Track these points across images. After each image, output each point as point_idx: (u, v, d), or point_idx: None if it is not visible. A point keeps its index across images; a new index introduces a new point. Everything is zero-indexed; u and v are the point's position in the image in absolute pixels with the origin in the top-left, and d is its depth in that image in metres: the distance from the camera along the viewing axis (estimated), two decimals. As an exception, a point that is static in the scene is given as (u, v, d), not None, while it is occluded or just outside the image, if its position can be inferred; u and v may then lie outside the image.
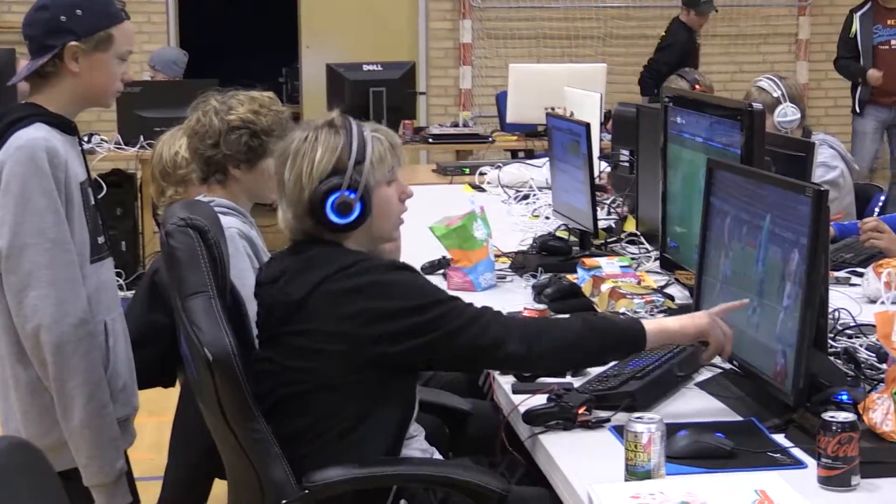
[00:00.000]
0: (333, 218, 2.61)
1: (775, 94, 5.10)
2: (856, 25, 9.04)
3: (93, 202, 2.92)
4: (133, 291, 3.30)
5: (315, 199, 2.62)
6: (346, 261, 2.62)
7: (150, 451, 3.54)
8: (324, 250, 2.67)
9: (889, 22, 9.03)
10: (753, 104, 3.18)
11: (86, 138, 2.79)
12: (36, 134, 2.79)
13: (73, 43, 2.85)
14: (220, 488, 3.24)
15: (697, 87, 5.70)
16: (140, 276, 7.42)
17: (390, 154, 2.73)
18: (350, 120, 2.71)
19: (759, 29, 11.22)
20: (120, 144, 7.90)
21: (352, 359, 2.56)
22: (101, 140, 7.92)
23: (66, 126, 2.90)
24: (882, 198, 5.17)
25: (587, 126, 4.06)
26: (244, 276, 2.97)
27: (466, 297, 3.55)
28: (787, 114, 4.98)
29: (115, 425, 2.86)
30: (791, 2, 11.23)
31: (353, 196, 2.62)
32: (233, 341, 2.50)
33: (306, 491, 2.53)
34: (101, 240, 2.93)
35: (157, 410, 3.84)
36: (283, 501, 2.52)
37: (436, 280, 3.82)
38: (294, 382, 2.60)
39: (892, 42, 9.01)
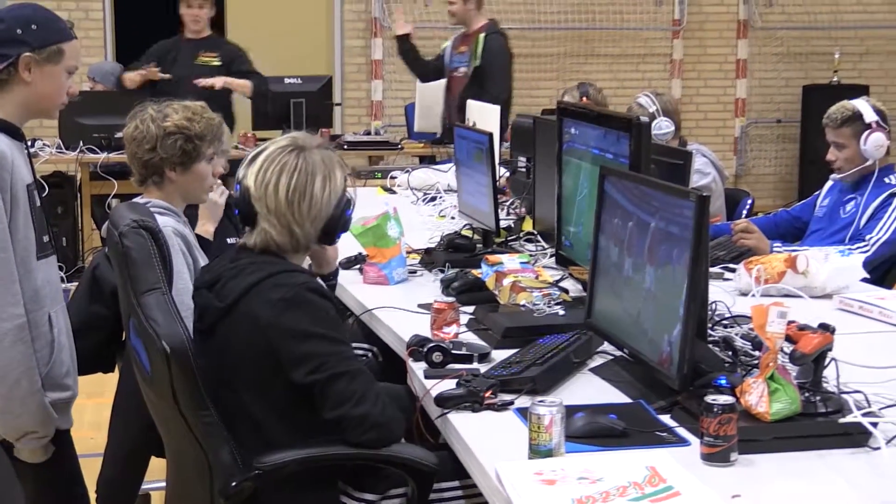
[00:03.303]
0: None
1: (651, 109, 5.16)
2: None
3: (38, 203, 2.85)
4: (74, 284, 3.24)
5: (336, 217, 2.74)
6: (274, 269, 2.60)
7: (90, 430, 3.49)
8: (261, 258, 2.65)
9: None
10: (640, 117, 3.19)
11: (29, 142, 2.75)
12: None
13: (27, 53, 2.81)
14: (155, 464, 3.20)
15: (585, 99, 5.73)
16: (80, 270, 7.33)
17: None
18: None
19: (639, 50, 11.32)
20: (61, 149, 7.82)
21: (265, 365, 2.55)
22: (44, 144, 7.88)
23: (13, 132, 2.83)
24: (749, 201, 5.24)
25: (490, 135, 4.06)
26: (180, 273, 2.93)
27: (381, 290, 3.60)
28: (661, 127, 5.03)
29: (33, 414, 2.79)
30: (666, 26, 11.34)
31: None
32: (188, 335, 2.46)
33: (257, 471, 2.49)
34: (45, 238, 2.86)
35: (95, 393, 3.76)
36: (234, 483, 2.48)
37: (352, 274, 3.81)
38: (223, 378, 2.57)
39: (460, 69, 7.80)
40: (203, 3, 7.77)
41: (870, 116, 4.30)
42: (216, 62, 7.78)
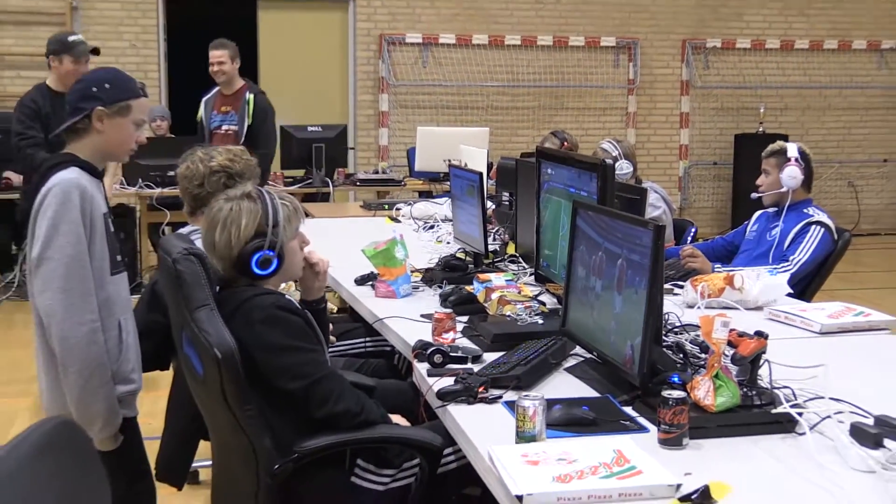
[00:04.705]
0: (257, 271, 2.62)
1: (614, 154, 5.17)
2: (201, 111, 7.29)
3: (111, 229, 2.86)
4: (136, 297, 3.24)
5: (243, 257, 2.60)
6: (255, 291, 2.60)
7: (149, 418, 3.46)
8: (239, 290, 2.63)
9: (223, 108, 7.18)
10: (606, 160, 3.20)
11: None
12: (70, 175, 2.74)
13: (99, 108, 2.83)
14: (204, 446, 3.18)
15: (565, 144, 5.74)
16: (139, 285, 7.32)
17: (294, 216, 2.74)
18: (263, 191, 2.71)
19: (600, 104, 11.37)
20: (124, 185, 7.83)
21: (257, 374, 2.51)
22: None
23: (92, 170, 2.84)
24: (693, 230, 5.25)
25: (481, 174, 4.07)
26: None
27: (390, 302, 3.59)
28: (622, 168, 5.05)
29: (102, 403, 2.77)
30: (622, 85, 11.39)
31: (272, 254, 2.62)
32: (234, 343, 2.43)
33: (296, 455, 2.48)
34: (118, 258, 2.86)
35: (153, 386, 3.74)
36: (277, 465, 2.46)
37: (366, 290, 3.81)
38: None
39: (224, 127, 7.11)
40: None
41: (792, 153, 4.47)
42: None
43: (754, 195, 4.55)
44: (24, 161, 5.70)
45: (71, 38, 5.69)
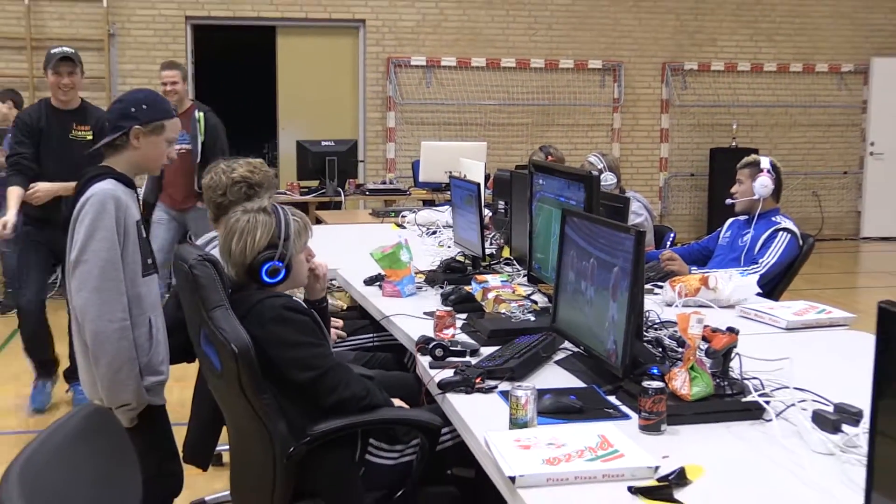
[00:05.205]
0: (266, 280, 2.63)
1: (600, 166, 5.17)
2: None
3: (144, 235, 2.87)
4: (166, 296, 3.24)
5: (255, 266, 2.62)
6: (264, 294, 2.60)
7: (177, 406, 3.47)
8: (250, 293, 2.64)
9: None
10: (592, 172, 3.20)
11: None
12: (106, 186, 2.76)
13: (136, 126, 2.84)
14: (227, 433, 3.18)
15: (550, 157, 5.74)
16: (169, 286, 7.26)
17: (303, 231, 2.75)
18: (277, 206, 2.72)
19: (587, 121, 11.36)
20: (155, 194, 7.77)
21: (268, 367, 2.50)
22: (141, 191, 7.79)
23: (128, 181, 2.86)
24: (672, 235, 5.25)
25: (479, 185, 4.07)
26: None
27: (396, 301, 3.59)
28: (607, 179, 5.05)
29: (130, 392, 2.78)
30: (608, 103, 11.38)
31: (280, 265, 2.63)
32: (248, 339, 2.42)
33: (308, 437, 2.48)
34: (149, 261, 2.87)
35: (180, 378, 3.74)
36: (291, 448, 2.46)
37: (373, 289, 3.80)
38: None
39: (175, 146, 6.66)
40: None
41: (764, 165, 4.47)
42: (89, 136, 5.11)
43: (728, 201, 4.55)
44: (6, 179, 5.03)
45: (52, 51, 5.09)
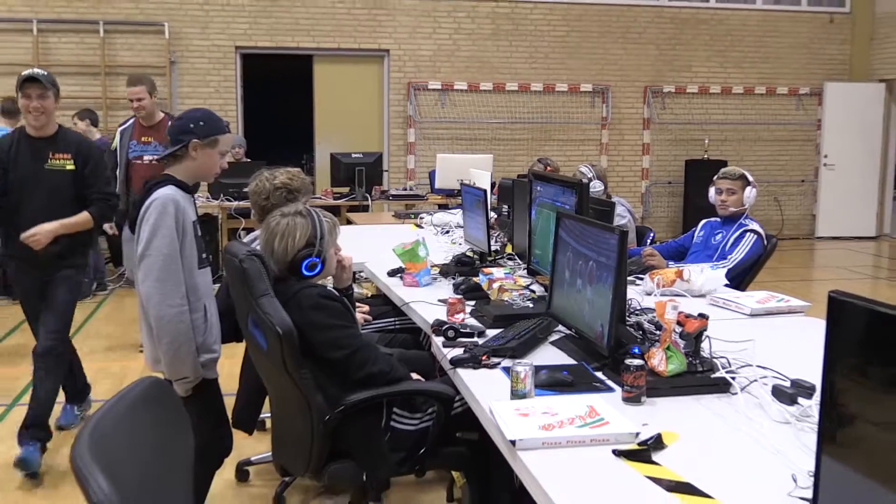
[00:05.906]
0: (306, 273, 2.64)
1: (589, 175, 5.16)
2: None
3: (199, 233, 2.87)
4: (217, 286, 3.24)
5: (296, 262, 2.63)
6: (302, 284, 2.60)
7: (228, 379, 3.46)
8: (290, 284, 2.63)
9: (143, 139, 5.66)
10: (583, 180, 3.18)
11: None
12: (167, 192, 2.77)
13: (195, 140, 2.85)
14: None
15: (547, 167, 5.72)
16: (219, 277, 7.29)
17: (333, 230, 2.77)
18: (311, 209, 2.74)
19: (579, 136, 11.32)
20: (209, 198, 7.85)
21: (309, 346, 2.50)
22: (198, 196, 7.81)
23: (186, 188, 2.87)
24: (652, 234, 5.22)
25: (485, 191, 4.07)
26: None
27: (414, 290, 3.58)
28: (596, 186, 5.03)
29: (188, 367, 2.78)
30: (597, 121, 11.34)
31: (317, 260, 2.65)
32: (291, 322, 2.42)
33: (342, 407, 2.48)
34: (204, 255, 2.87)
35: (230, 355, 3.75)
36: (327, 416, 2.46)
37: (395, 280, 3.80)
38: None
39: (146, 157, 5.63)
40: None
41: (750, 178, 4.43)
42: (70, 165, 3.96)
43: (722, 212, 4.41)
44: None
45: (22, 73, 3.90)
